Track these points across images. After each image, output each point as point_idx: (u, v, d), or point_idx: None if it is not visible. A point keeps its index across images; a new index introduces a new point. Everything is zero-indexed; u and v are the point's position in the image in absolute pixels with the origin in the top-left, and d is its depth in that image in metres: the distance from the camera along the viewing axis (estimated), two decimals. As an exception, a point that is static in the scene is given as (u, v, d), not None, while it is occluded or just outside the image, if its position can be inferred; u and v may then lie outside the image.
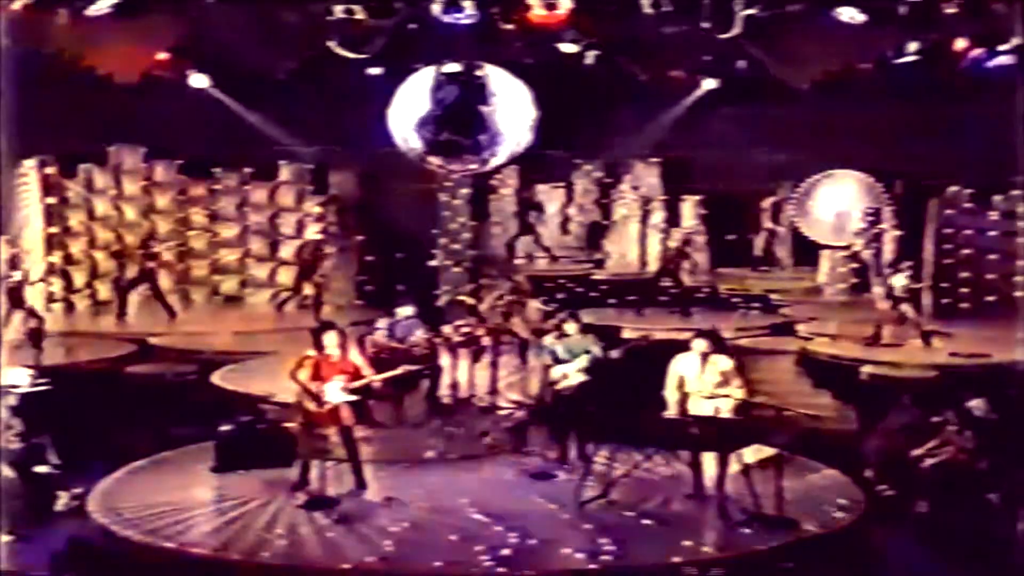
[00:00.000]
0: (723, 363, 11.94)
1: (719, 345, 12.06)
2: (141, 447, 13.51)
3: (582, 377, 13.11)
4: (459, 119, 15.38)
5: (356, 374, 11.95)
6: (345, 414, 11.86)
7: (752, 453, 11.61)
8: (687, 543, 10.54)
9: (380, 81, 19.82)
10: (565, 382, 13.15)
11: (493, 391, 15.14)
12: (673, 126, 23.08)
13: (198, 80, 21.34)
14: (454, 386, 15.13)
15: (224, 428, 13.00)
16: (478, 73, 15.20)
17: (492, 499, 11.82)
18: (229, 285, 23.00)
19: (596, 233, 24.21)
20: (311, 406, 11.68)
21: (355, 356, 12.13)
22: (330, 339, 11.92)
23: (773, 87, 20.28)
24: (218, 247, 22.94)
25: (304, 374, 11.75)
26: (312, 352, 11.89)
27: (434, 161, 15.58)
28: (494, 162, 15.39)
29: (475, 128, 15.14)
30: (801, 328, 19.41)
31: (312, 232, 22.56)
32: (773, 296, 21.83)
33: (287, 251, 22.91)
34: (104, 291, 21.78)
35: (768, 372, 16.24)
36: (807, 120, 21.97)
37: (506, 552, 10.32)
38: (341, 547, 10.48)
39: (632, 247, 23.78)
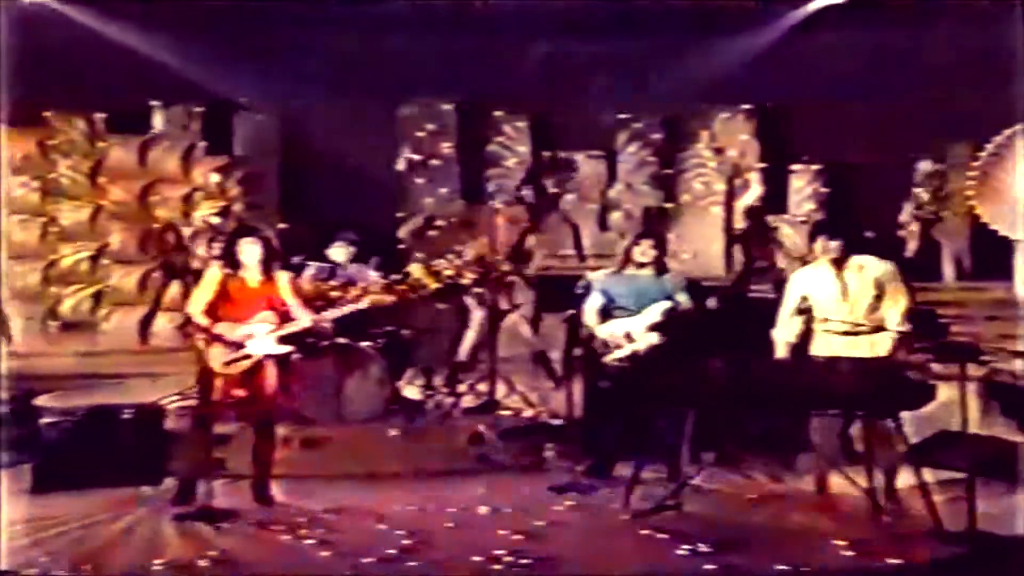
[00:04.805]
0: (875, 267, 11.76)
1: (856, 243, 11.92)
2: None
3: (653, 338, 12.48)
4: None
5: (286, 316, 11.67)
6: (271, 380, 11.51)
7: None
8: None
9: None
10: (629, 348, 12.48)
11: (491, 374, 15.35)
12: (773, 57, 21.98)
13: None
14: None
15: (47, 421, 12.80)
16: None
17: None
18: (74, 303, 21.79)
19: (654, 223, 22.95)
20: (219, 362, 11.31)
21: (284, 287, 11.69)
22: (250, 253, 11.52)
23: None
24: (56, 241, 21.84)
25: (201, 309, 11.45)
26: (218, 272, 11.55)
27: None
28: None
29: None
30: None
31: (206, 213, 21.16)
32: (940, 312, 20.25)
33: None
34: None
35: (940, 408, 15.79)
36: (988, 44, 20.41)
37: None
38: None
39: (714, 241, 22.90)
